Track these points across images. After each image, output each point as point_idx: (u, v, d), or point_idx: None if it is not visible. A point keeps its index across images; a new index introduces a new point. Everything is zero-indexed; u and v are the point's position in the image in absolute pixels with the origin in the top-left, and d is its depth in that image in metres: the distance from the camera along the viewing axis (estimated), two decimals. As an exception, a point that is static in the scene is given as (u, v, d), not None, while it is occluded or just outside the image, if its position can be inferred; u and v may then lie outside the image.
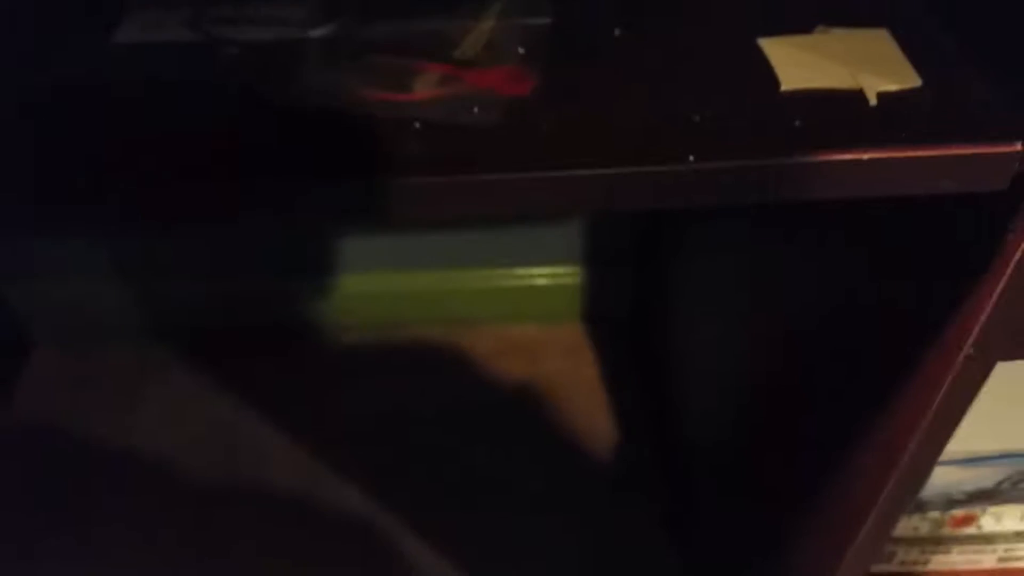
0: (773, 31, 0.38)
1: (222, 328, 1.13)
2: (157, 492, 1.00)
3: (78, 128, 0.35)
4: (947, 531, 0.59)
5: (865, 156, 0.33)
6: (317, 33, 0.37)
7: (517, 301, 1.16)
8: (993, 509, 0.58)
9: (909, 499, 0.49)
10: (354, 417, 1.07)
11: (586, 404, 1.09)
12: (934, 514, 0.57)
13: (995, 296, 0.38)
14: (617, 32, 0.38)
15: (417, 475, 1.02)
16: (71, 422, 1.06)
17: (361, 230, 1.08)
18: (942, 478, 0.54)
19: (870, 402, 0.48)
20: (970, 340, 0.40)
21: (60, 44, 0.39)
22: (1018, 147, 0.34)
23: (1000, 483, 0.55)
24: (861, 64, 0.37)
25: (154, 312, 1.13)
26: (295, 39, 0.37)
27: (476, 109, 0.34)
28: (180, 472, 1.01)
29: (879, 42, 0.39)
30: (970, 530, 0.59)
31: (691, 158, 0.32)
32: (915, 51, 0.38)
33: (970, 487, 0.55)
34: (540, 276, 1.15)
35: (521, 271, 1.15)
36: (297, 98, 0.34)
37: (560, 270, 1.14)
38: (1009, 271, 0.37)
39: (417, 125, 0.34)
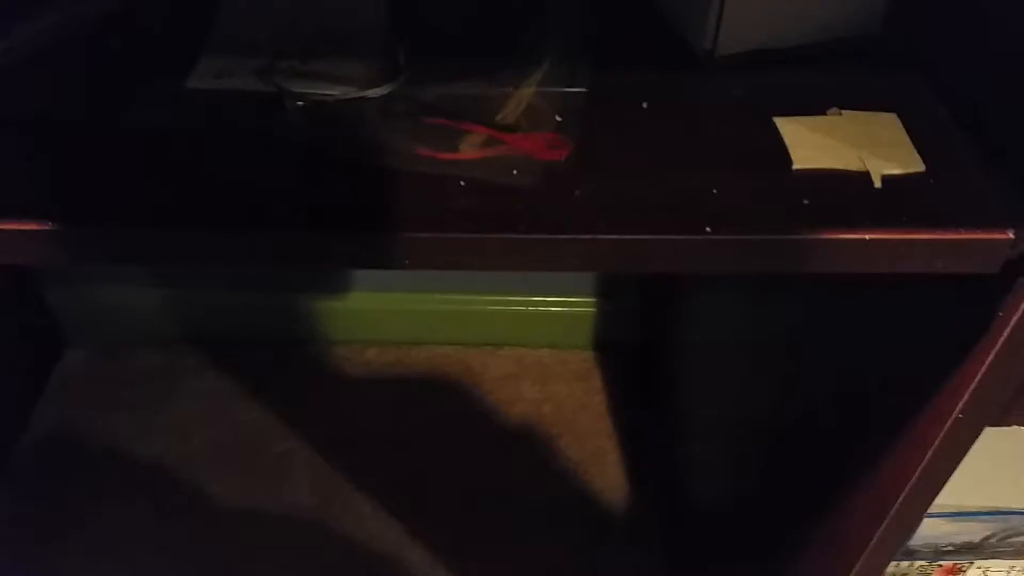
0: (789, 111, 0.41)
1: (248, 338, 1.17)
2: (180, 493, 1.03)
3: (147, 170, 0.38)
4: (934, 580, 0.61)
5: (866, 236, 0.36)
6: (375, 93, 0.40)
7: (532, 327, 1.20)
8: (979, 563, 0.61)
9: (896, 548, 0.52)
10: (371, 431, 1.10)
11: (594, 428, 1.12)
12: (922, 563, 0.60)
13: (984, 367, 0.42)
14: (645, 105, 0.41)
15: (430, 490, 1.05)
16: (98, 422, 1.10)
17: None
18: (930, 529, 0.57)
19: (864, 454, 0.51)
20: (960, 406, 0.43)
21: (137, 87, 0.42)
22: (1010, 235, 0.37)
23: (987, 538, 0.58)
24: (869, 147, 0.40)
25: (184, 318, 1.17)
26: (355, 97, 0.40)
27: (515, 171, 0.38)
28: (203, 476, 1.05)
29: (888, 126, 0.42)
30: (957, 581, 0.62)
31: (708, 229, 0.36)
32: (922, 137, 0.41)
33: (957, 540, 0.58)
34: (555, 304, 1.18)
35: (537, 298, 1.18)
36: (355, 153, 0.38)
37: (574, 299, 1.18)
38: (997, 347, 0.40)
39: (462, 183, 0.38)
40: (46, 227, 0.35)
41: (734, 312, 0.80)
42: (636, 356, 1.19)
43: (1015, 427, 0.50)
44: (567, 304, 1.19)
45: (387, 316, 1.18)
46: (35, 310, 1.12)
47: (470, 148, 0.39)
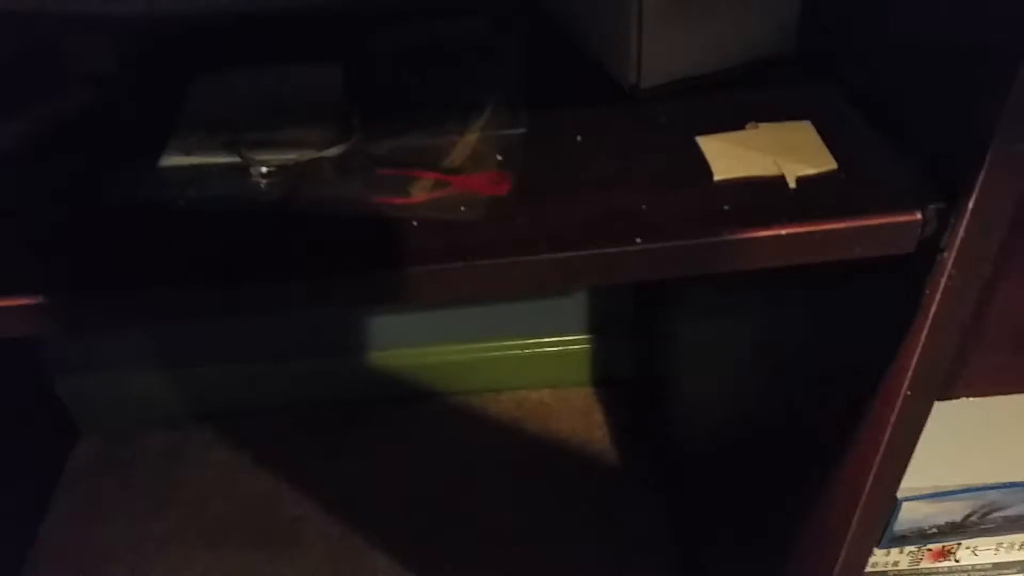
0: (710, 130, 0.45)
1: (253, 409, 1.21)
2: (197, 566, 1.05)
3: (127, 241, 0.42)
4: (926, 565, 0.63)
5: (783, 231, 0.40)
6: (332, 153, 0.45)
7: (530, 369, 1.23)
8: (968, 542, 0.63)
9: (876, 531, 0.54)
10: (381, 489, 1.13)
11: (599, 463, 1.14)
12: (911, 548, 0.62)
13: (921, 343, 0.45)
14: (579, 139, 0.46)
15: (444, 542, 1.07)
16: (114, 505, 1.12)
17: (380, 311, 1.16)
18: (911, 512, 0.59)
19: (832, 446, 0.54)
20: (906, 383, 0.46)
21: (116, 168, 0.47)
22: (917, 216, 0.41)
23: (967, 516, 0.60)
24: (784, 153, 0.44)
25: (190, 396, 1.20)
26: (315, 158, 0.44)
27: (463, 208, 0.42)
28: (219, 548, 1.07)
29: (802, 133, 0.46)
30: (948, 563, 0.63)
31: (638, 240, 0.39)
32: (835, 139, 0.45)
33: (939, 521, 0.60)
34: (550, 345, 1.21)
35: (532, 340, 1.21)
36: (317, 207, 0.42)
37: (568, 338, 1.21)
38: (929, 321, 0.44)
39: (415, 223, 0.41)
40: (37, 300, 0.38)
41: (715, 334, 0.83)
42: (634, 387, 1.22)
43: (965, 399, 0.52)
44: (563, 343, 1.22)
45: (386, 374, 1.21)
46: (47, 403, 1.16)
47: (421, 191, 0.43)
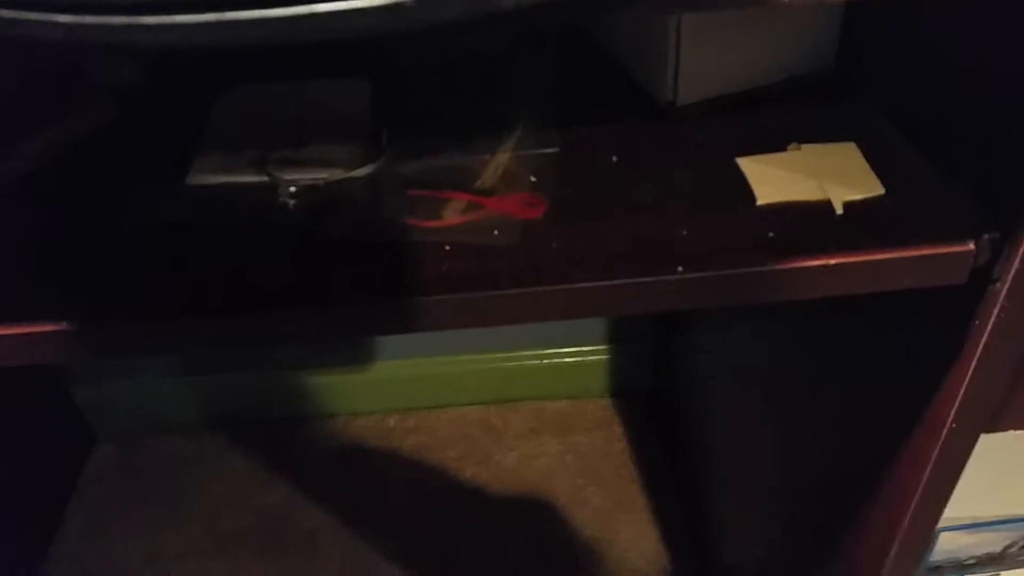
0: (750, 150, 0.44)
1: (269, 418, 1.20)
2: (210, 576, 1.05)
3: (153, 263, 0.41)
4: (963, 595, 0.61)
5: (831, 261, 0.38)
6: (361, 173, 0.43)
7: (548, 380, 1.21)
8: (1007, 574, 0.61)
9: (913, 564, 0.52)
10: (398, 499, 1.12)
11: (618, 475, 1.13)
12: (948, 578, 0.60)
13: (968, 375, 0.43)
14: (614, 158, 0.44)
15: (460, 553, 1.05)
16: (129, 514, 1.12)
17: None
18: (950, 543, 0.57)
19: (870, 476, 0.52)
20: (951, 416, 0.45)
21: (140, 186, 0.46)
22: (971, 246, 0.39)
23: (1007, 547, 0.58)
24: (829, 176, 0.42)
25: (206, 405, 1.20)
26: (344, 178, 0.43)
27: (496, 232, 0.40)
28: (235, 559, 1.06)
29: (847, 155, 0.44)
30: (985, 594, 0.61)
31: (679, 269, 0.38)
32: (880, 162, 0.43)
33: (978, 551, 0.58)
34: (569, 355, 1.20)
35: (551, 351, 1.20)
36: (346, 229, 0.41)
37: (587, 348, 1.20)
38: (978, 353, 0.42)
39: (447, 247, 0.40)
40: (61, 327, 0.37)
41: (741, 351, 0.81)
42: (653, 398, 1.20)
43: (1013, 432, 0.51)
44: (581, 354, 1.20)
45: (404, 383, 1.20)
46: (64, 410, 1.15)
47: (453, 214, 0.42)
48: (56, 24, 0.22)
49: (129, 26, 0.22)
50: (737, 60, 0.47)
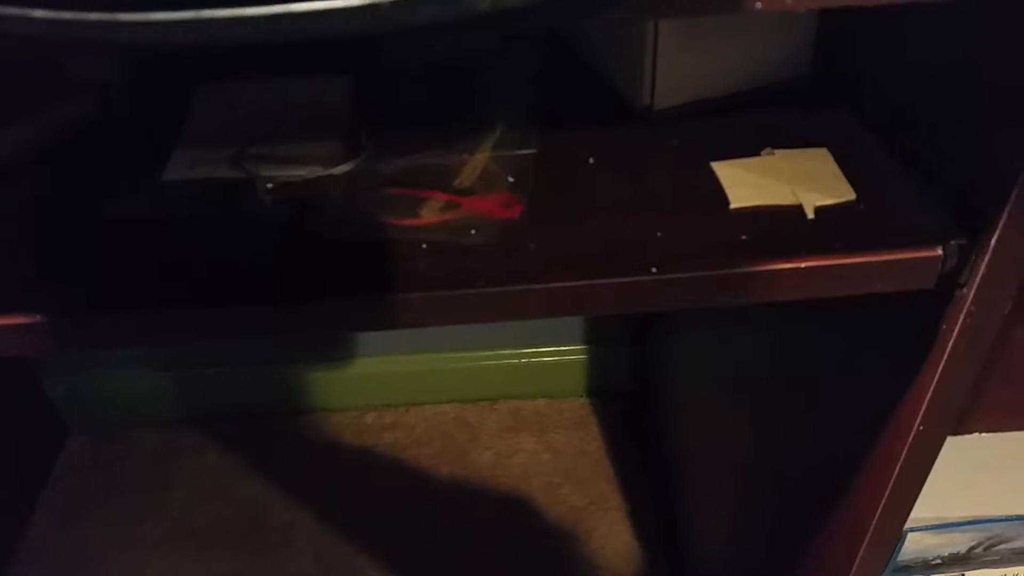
0: (725, 155, 0.44)
1: (244, 413, 1.19)
2: (186, 572, 1.04)
3: (130, 258, 0.41)
4: (929, 595, 0.62)
5: (802, 264, 0.39)
6: (340, 170, 0.43)
7: (526, 379, 1.22)
8: (972, 574, 0.62)
9: (880, 564, 0.53)
10: (373, 495, 1.12)
11: (593, 473, 1.13)
12: (915, 578, 0.61)
13: (936, 378, 0.44)
14: (591, 161, 0.44)
15: (435, 550, 1.06)
16: (102, 507, 1.11)
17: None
18: (916, 543, 0.58)
19: (838, 476, 0.53)
20: (919, 418, 0.46)
21: (117, 182, 0.45)
22: (939, 252, 0.40)
23: (972, 548, 0.59)
24: (801, 181, 0.43)
25: (181, 399, 1.19)
26: (322, 176, 0.43)
27: (473, 231, 0.41)
28: (208, 553, 1.06)
29: (819, 160, 0.45)
30: (951, 594, 0.62)
31: (654, 270, 0.38)
32: (852, 168, 0.44)
33: (944, 552, 0.59)
34: (547, 355, 1.20)
35: (529, 350, 1.20)
36: (324, 226, 0.41)
37: (566, 348, 1.20)
38: (945, 357, 0.43)
39: (424, 246, 0.40)
40: (35, 319, 0.37)
41: (716, 352, 0.82)
42: (630, 399, 1.21)
43: (978, 434, 0.52)
44: (559, 353, 1.21)
45: (382, 380, 1.20)
46: (37, 403, 1.14)
47: (431, 213, 0.42)
48: (31, 19, 0.22)
49: (105, 23, 0.22)
50: (714, 65, 0.48)
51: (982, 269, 0.39)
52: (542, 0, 0.22)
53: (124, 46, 0.22)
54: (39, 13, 0.22)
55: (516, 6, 0.21)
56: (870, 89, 0.48)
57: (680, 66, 0.47)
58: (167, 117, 0.48)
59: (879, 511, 0.50)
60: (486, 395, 1.23)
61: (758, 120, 0.48)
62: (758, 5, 0.26)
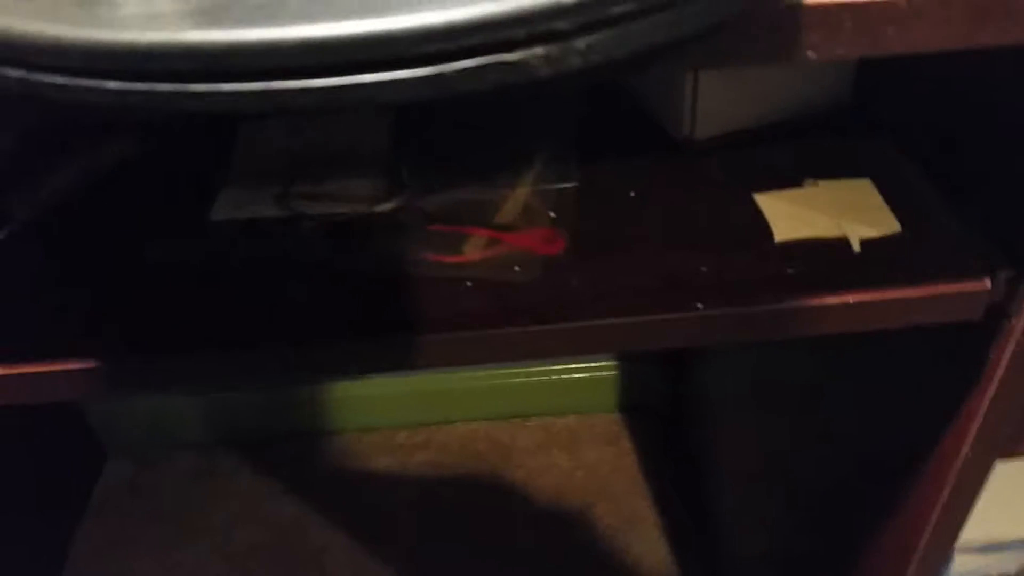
0: (767, 186, 0.44)
1: (280, 434, 1.20)
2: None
3: (177, 300, 0.42)
4: (976, 618, 0.62)
5: (849, 299, 0.39)
6: (383, 208, 0.44)
7: (557, 395, 1.22)
8: (1019, 595, 0.61)
9: (929, 589, 0.53)
10: (407, 514, 1.12)
11: (628, 491, 1.13)
12: (961, 602, 0.60)
13: (984, 406, 0.43)
14: (632, 194, 0.45)
15: (471, 570, 1.06)
16: (141, 530, 1.12)
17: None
18: (963, 564, 0.57)
19: (887, 499, 0.53)
20: (967, 444, 0.45)
21: (164, 223, 0.46)
22: (987, 283, 0.40)
23: (1021, 571, 0.58)
24: (846, 213, 0.43)
25: (217, 421, 1.20)
26: (365, 213, 0.44)
27: (517, 268, 0.41)
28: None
29: (862, 191, 0.45)
30: (999, 617, 0.62)
31: (699, 306, 0.38)
32: (896, 199, 0.44)
33: (992, 572, 0.58)
34: (578, 371, 1.20)
35: (560, 366, 1.20)
36: (368, 264, 0.41)
37: (597, 364, 1.20)
38: (994, 386, 0.42)
39: (468, 284, 0.41)
40: (86, 365, 0.38)
41: (753, 368, 0.82)
42: (663, 415, 1.20)
43: (1027, 460, 0.51)
44: (590, 370, 1.21)
45: (413, 398, 1.20)
46: (76, 428, 1.16)
47: (473, 250, 0.42)
48: (105, 90, 0.23)
49: (176, 93, 0.23)
50: (754, 95, 0.48)
51: (1031, 300, 0.39)
52: (602, 61, 0.22)
53: (193, 114, 0.23)
54: (112, 85, 0.23)
55: (576, 69, 0.22)
56: (911, 118, 0.48)
57: (721, 97, 0.47)
58: (213, 157, 0.49)
59: (927, 534, 0.50)
60: (518, 412, 1.23)
61: (800, 150, 0.48)
62: (811, 55, 0.26)
